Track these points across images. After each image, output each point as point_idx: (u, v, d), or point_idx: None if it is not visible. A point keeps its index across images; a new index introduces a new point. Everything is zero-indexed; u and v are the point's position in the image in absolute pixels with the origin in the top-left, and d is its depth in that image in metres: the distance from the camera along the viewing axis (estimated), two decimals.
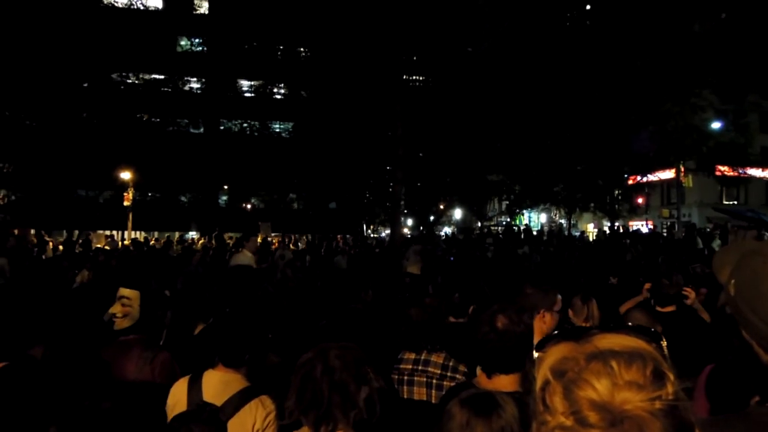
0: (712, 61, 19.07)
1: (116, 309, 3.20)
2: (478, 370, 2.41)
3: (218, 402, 2.39)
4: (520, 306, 2.41)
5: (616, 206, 25.56)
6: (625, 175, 25.33)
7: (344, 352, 2.10)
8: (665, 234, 22.90)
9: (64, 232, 27.81)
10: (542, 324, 2.82)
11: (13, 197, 31.10)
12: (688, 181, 26.27)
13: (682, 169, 25.02)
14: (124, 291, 3.24)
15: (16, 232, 20.17)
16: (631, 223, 30.76)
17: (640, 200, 30.14)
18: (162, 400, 2.61)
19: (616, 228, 24.74)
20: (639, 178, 26.58)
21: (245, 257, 6.99)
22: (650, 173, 26.40)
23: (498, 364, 2.20)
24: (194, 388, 2.52)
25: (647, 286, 4.66)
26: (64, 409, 1.88)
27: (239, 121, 34.33)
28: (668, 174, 27.72)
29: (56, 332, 3.65)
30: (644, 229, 27.10)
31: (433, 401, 3.04)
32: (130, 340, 3.18)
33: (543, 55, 20.19)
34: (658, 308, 4.39)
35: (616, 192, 25.70)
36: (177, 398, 2.53)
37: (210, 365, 2.62)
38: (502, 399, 1.73)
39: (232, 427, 2.32)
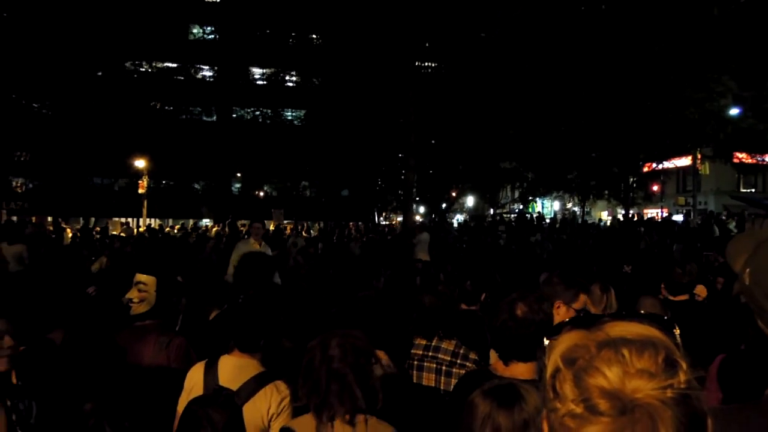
0: (731, 45, 18.70)
1: (133, 294, 3.24)
2: (495, 357, 2.41)
3: (234, 386, 2.43)
4: (539, 294, 2.41)
5: (631, 194, 25.29)
6: (641, 163, 25.02)
7: (345, 341, 2.13)
8: (681, 222, 22.66)
9: (81, 219, 28.14)
10: (555, 314, 2.82)
11: (30, 185, 31.54)
12: (704, 169, 25.91)
13: (699, 156, 24.66)
14: (140, 277, 3.28)
15: (33, 219, 20.44)
16: (645, 211, 30.45)
17: (655, 188, 29.80)
18: (178, 384, 2.65)
19: (630, 216, 24.50)
20: (655, 165, 26.24)
21: (249, 246, 6.93)
22: (666, 160, 26.03)
23: (516, 351, 2.21)
24: (210, 372, 2.55)
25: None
26: (99, 387, 1.94)
27: (251, 108, 34.41)
28: (685, 161, 27.35)
29: (75, 317, 3.72)
30: (678, 217, 26.80)
31: (442, 387, 3.06)
32: (146, 325, 3.22)
33: (557, 40, 19.93)
34: (671, 297, 4.34)
35: (631, 179, 25.41)
36: (194, 382, 2.56)
37: (225, 350, 2.65)
38: (525, 390, 1.73)
39: (248, 412, 2.35)
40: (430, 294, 3.31)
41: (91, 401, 2.01)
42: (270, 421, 2.41)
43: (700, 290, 4.41)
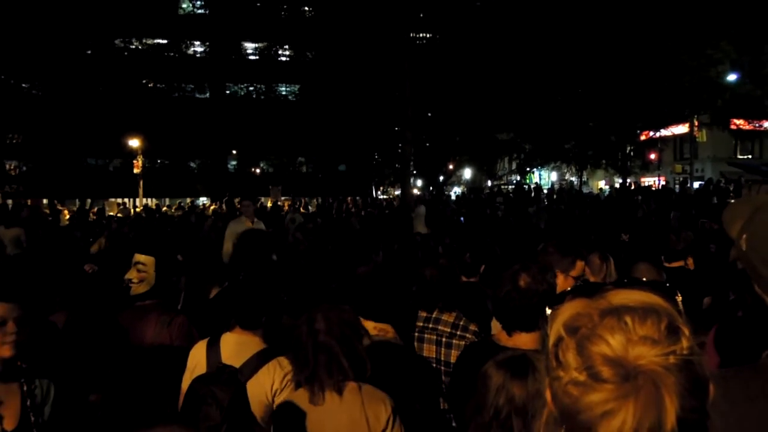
0: (728, 10, 18.49)
1: (132, 275, 3.25)
2: (497, 327, 2.43)
3: (236, 364, 2.44)
4: (542, 265, 2.43)
5: (628, 162, 25.26)
6: (638, 131, 24.94)
7: (329, 314, 2.17)
8: (677, 190, 22.68)
9: (77, 201, 28.07)
10: None
11: (24, 168, 31.37)
12: (702, 136, 25.83)
13: (696, 124, 24.57)
14: (139, 257, 3.28)
15: (29, 202, 20.38)
16: (643, 179, 30.47)
17: (652, 156, 29.74)
18: (181, 362, 2.67)
19: (627, 184, 24.52)
20: (652, 133, 26.17)
21: (242, 224, 6.83)
22: (663, 128, 25.94)
23: (519, 322, 2.23)
24: (213, 350, 2.57)
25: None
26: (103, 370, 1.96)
27: (245, 84, 34.07)
28: (682, 128, 27.25)
29: (77, 299, 3.73)
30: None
31: (442, 358, 3.09)
32: (146, 305, 3.23)
33: (553, 8, 19.67)
34: (666, 263, 4.38)
35: (629, 148, 25.35)
36: (196, 360, 2.58)
37: (227, 328, 2.66)
38: (538, 361, 1.75)
39: (252, 388, 2.37)
40: (431, 267, 3.32)
41: (97, 392, 2.04)
42: (274, 396, 2.43)
43: (689, 262, 4.44)
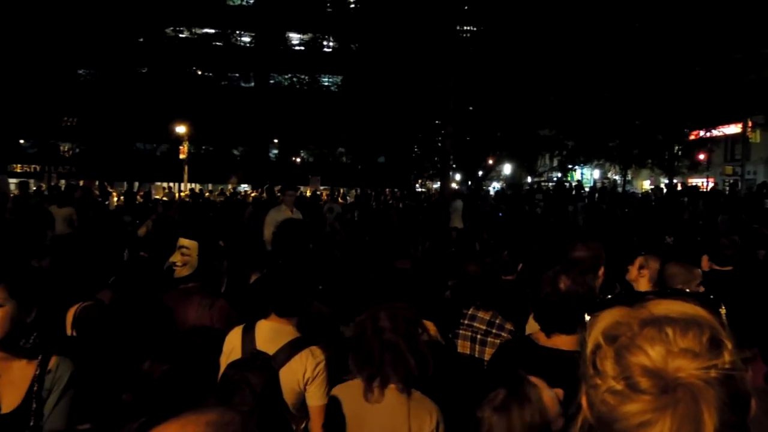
0: None
1: (176, 258, 3.34)
2: (535, 327, 2.42)
3: (270, 350, 2.50)
4: (583, 267, 2.42)
5: (676, 162, 24.47)
6: (687, 130, 24.11)
7: (394, 313, 2.18)
8: (727, 192, 21.87)
9: (125, 183, 28.97)
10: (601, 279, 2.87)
11: (77, 150, 32.55)
12: (755, 137, 24.78)
13: (750, 124, 23.59)
14: (183, 241, 3.37)
15: (81, 183, 21.14)
16: (690, 180, 29.47)
17: (701, 156, 28.72)
18: (219, 344, 2.75)
19: (674, 185, 23.77)
20: (702, 133, 25.26)
21: (282, 213, 6.94)
22: (714, 128, 25.00)
23: (558, 324, 2.23)
24: (248, 336, 2.63)
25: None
26: (134, 374, 2.01)
27: (289, 75, 34.41)
28: (734, 129, 26.21)
29: (122, 278, 3.87)
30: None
31: (476, 356, 3.09)
32: (189, 288, 3.33)
33: (602, 2, 19.16)
34: (715, 267, 4.23)
35: (676, 148, 24.55)
36: (232, 346, 2.65)
37: (263, 315, 2.72)
38: (532, 390, 1.78)
39: (284, 375, 2.42)
40: (475, 263, 3.30)
41: (130, 392, 2.08)
42: (305, 384, 2.48)
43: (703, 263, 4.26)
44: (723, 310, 0.78)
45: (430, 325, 2.79)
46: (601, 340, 0.76)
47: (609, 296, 0.83)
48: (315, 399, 2.44)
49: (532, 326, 2.59)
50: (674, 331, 0.72)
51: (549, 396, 1.78)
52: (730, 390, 0.69)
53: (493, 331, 3.09)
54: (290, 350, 2.52)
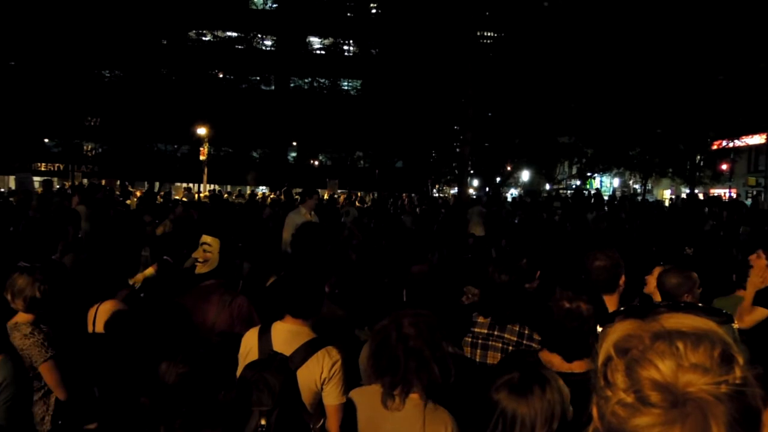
0: None
1: (198, 254, 3.41)
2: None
3: (287, 352, 2.53)
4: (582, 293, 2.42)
5: (697, 172, 24.11)
6: (710, 140, 23.75)
7: (418, 320, 2.16)
8: (749, 203, 21.47)
9: (146, 183, 29.33)
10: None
11: (100, 150, 33.06)
12: None
13: None
14: (206, 238, 3.44)
15: (103, 182, 21.48)
16: (712, 190, 29.02)
17: (724, 166, 28.26)
18: (237, 344, 2.79)
19: (695, 195, 23.42)
20: (725, 143, 24.86)
21: (301, 216, 7.05)
22: (737, 138, 24.60)
23: (582, 349, 2.26)
24: (264, 338, 2.67)
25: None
26: (150, 379, 2.04)
27: (309, 78, 34.62)
28: (758, 139, 25.78)
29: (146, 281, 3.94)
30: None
31: None
32: (210, 284, 3.38)
33: (623, 8, 18.99)
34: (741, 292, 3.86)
35: (698, 157, 24.20)
36: (249, 347, 2.68)
37: (278, 317, 2.76)
38: (551, 375, 1.76)
39: (301, 376, 2.45)
40: (505, 271, 3.16)
41: (148, 395, 2.11)
42: (322, 384, 2.52)
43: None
44: (736, 325, 0.79)
45: None
46: (613, 352, 0.77)
47: (622, 308, 0.83)
48: (332, 398, 2.48)
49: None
50: (685, 346, 0.72)
51: (565, 387, 1.74)
52: (741, 405, 0.70)
53: (524, 342, 3.03)
54: (307, 351, 2.56)
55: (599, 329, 0.84)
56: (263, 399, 2.07)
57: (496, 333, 3.09)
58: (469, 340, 3.15)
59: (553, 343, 2.33)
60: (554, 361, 2.33)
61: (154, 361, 1.99)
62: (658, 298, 3.50)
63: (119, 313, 3.28)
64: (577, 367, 2.19)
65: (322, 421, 2.51)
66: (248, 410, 2.15)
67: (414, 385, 2.08)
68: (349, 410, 2.22)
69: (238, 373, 2.65)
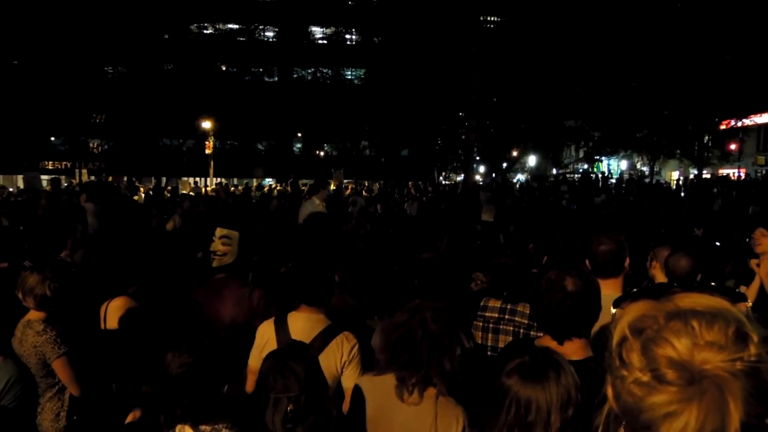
0: None
1: (217, 247, 3.39)
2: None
3: (305, 340, 2.56)
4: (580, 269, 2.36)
5: (705, 153, 23.92)
6: (718, 120, 23.52)
7: (440, 315, 2.15)
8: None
9: (153, 179, 29.46)
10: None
11: (105, 146, 33.21)
12: None
13: None
14: (224, 231, 3.43)
15: (110, 179, 21.57)
16: (721, 170, 28.81)
17: (732, 146, 28.02)
18: (246, 338, 2.82)
19: (704, 176, 23.26)
20: (733, 122, 24.61)
21: (314, 206, 7.18)
22: (746, 117, 24.35)
23: (573, 328, 2.17)
24: (281, 328, 2.70)
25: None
26: (153, 367, 2.06)
27: (312, 69, 34.55)
28: (766, 118, 25.52)
29: (150, 273, 3.96)
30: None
31: None
32: (224, 278, 3.40)
33: None
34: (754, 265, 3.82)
35: (707, 138, 23.99)
36: (266, 338, 2.71)
37: (291, 308, 2.78)
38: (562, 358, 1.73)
39: (322, 361, 2.50)
40: (508, 256, 3.28)
41: (149, 384, 2.13)
42: (343, 368, 2.61)
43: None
44: (749, 303, 0.79)
45: None
46: (628, 332, 0.77)
47: (635, 289, 0.84)
48: (352, 380, 2.51)
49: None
50: (700, 324, 0.73)
51: (575, 375, 1.73)
52: (756, 382, 0.70)
53: (535, 324, 3.06)
54: (325, 337, 2.63)
55: (613, 311, 0.84)
56: (290, 385, 2.09)
57: (507, 317, 3.12)
58: (480, 324, 3.17)
59: (541, 321, 2.27)
60: (547, 343, 2.26)
61: (163, 354, 2.01)
62: (658, 279, 3.48)
63: (130, 309, 3.31)
64: (571, 351, 2.10)
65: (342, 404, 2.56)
66: (272, 399, 2.16)
67: (434, 379, 2.07)
68: (357, 397, 2.22)
69: (252, 363, 2.69)
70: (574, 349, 2.11)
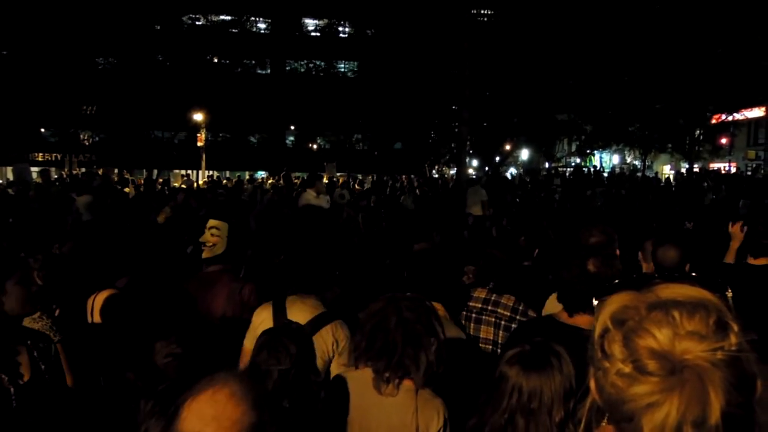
0: None
1: (206, 238, 3.40)
2: (557, 307, 2.46)
3: (301, 322, 2.59)
4: (611, 252, 2.51)
5: (697, 147, 24.02)
6: (709, 114, 23.61)
7: (416, 305, 2.15)
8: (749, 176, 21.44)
9: (144, 171, 29.25)
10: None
11: (96, 138, 32.92)
12: None
13: None
14: (214, 222, 3.44)
15: (100, 171, 21.42)
16: (712, 164, 28.98)
17: (723, 140, 28.18)
18: (237, 329, 2.83)
19: (695, 170, 23.38)
20: (724, 116, 24.73)
21: (310, 196, 7.28)
22: (737, 111, 24.47)
23: (583, 304, 2.31)
24: (278, 309, 2.76)
25: (735, 227, 3.79)
26: (139, 354, 2.05)
27: (305, 61, 34.35)
28: (757, 112, 25.66)
29: (140, 265, 3.94)
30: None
31: (500, 341, 3.10)
32: (216, 271, 3.39)
33: None
34: (751, 260, 3.63)
35: (698, 132, 24.08)
36: (262, 318, 2.76)
37: (287, 294, 2.83)
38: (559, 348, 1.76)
39: (316, 341, 2.51)
40: (498, 248, 3.36)
41: (134, 371, 2.12)
42: (335, 351, 2.65)
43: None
44: (729, 294, 0.80)
45: (438, 307, 2.78)
46: (609, 323, 0.78)
47: (616, 281, 0.84)
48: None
49: (554, 306, 2.61)
50: (681, 314, 0.73)
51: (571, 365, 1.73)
52: (737, 371, 0.71)
53: (517, 317, 3.09)
54: (321, 321, 2.68)
55: (595, 302, 0.85)
56: (282, 359, 2.11)
57: (489, 308, 3.15)
58: (464, 314, 3.20)
59: (560, 293, 2.47)
60: (558, 313, 2.44)
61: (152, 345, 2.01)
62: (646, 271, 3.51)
63: (117, 303, 3.29)
64: (582, 322, 2.27)
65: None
66: (262, 371, 2.16)
67: (410, 371, 2.05)
68: (338, 393, 2.18)
69: (247, 345, 2.70)
70: (584, 321, 2.29)
